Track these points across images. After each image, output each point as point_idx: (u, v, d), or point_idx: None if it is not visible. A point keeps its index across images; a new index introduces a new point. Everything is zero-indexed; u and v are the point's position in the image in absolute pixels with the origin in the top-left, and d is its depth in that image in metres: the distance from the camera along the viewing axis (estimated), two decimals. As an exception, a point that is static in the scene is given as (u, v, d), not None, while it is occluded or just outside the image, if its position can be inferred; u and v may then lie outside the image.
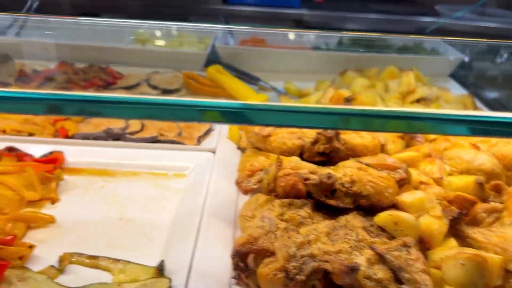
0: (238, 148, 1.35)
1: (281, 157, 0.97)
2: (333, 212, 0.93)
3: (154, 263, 0.86)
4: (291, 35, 2.16)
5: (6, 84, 1.54)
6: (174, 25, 2.04)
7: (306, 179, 0.92)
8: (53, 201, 1.05)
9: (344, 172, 0.93)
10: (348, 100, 1.27)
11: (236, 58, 1.93)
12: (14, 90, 0.67)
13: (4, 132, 1.34)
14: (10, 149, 1.23)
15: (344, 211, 0.91)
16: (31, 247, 0.85)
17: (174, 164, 1.24)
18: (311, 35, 2.19)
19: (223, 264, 0.85)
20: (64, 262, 0.83)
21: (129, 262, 0.85)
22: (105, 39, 2.04)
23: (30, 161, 1.15)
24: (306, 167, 0.95)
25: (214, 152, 1.29)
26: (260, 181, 0.96)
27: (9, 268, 0.78)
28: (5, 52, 1.61)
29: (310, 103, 1.40)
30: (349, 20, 2.54)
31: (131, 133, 1.36)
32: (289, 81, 1.66)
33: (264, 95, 1.55)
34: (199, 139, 1.37)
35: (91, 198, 1.10)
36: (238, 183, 0.98)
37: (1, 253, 0.80)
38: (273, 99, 1.62)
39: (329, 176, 0.90)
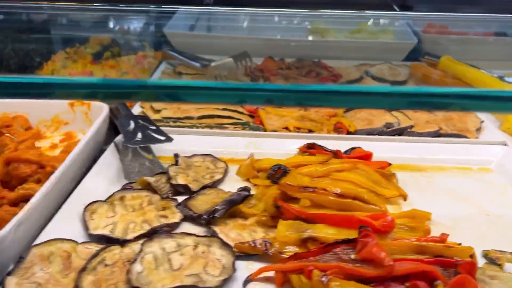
0: (521, 140, 1.34)
1: None
2: None
3: None
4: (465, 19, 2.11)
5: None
6: (343, 13, 2.01)
7: None
8: (405, 197, 1.07)
9: None
10: None
11: (437, 46, 1.92)
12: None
13: (286, 129, 1.37)
14: (311, 146, 1.25)
15: None
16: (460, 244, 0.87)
17: (474, 158, 1.24)
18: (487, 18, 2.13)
19: None
20: (501, 259, 0.84)
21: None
22: (271, 30, 2.06)
23: (352, 159, 1.17)
24: None
25: (505, 144, 1.28)
26: None
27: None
28: (244, 49, 1.63)
29: None
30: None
31: (409, 127, 1.37)
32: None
33: (514, 85, 1.53)
34: (477, 131, 1.37)
35: (430, 193, 1.10)
36: None
37: (449, 252, 0.83)
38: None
39: None
